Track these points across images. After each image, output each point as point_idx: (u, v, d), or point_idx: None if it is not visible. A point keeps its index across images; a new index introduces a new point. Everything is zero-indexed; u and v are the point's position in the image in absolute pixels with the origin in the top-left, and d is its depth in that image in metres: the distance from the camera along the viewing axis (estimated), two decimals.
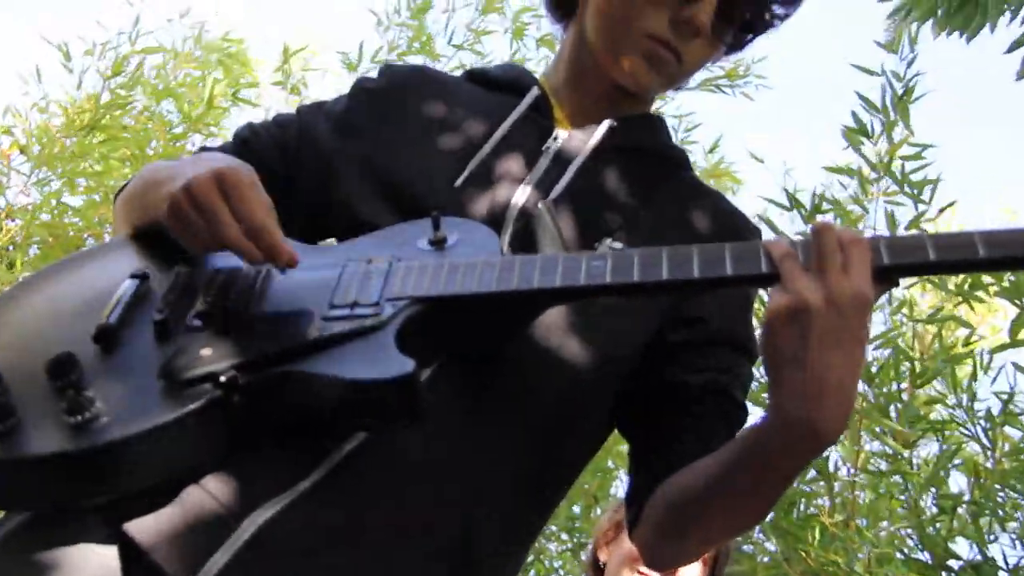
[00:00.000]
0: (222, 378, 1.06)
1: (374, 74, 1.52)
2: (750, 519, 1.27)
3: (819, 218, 4.30)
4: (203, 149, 1.47)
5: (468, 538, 1.20)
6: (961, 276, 4.25)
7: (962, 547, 4.37)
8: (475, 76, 1.54)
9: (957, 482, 5.46)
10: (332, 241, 1.35)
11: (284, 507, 1.10)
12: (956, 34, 4.03)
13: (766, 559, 4.71)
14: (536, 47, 6.55)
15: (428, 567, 1.17)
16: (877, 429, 4.51)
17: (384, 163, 1.38)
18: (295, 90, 6.82)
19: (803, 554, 4.31)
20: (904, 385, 4.62)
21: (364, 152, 1.40)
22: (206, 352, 1.09)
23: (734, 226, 1.44)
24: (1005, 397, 4.31)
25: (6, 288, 1.34)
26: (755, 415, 1.29)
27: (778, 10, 1.46)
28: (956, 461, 4.52)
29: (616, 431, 1.43)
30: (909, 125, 4.53)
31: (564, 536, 6.22)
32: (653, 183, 1.44)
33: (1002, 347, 4.14)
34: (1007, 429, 4.34)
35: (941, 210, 4.46)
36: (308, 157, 1.41)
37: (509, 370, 1.25)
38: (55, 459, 1.03)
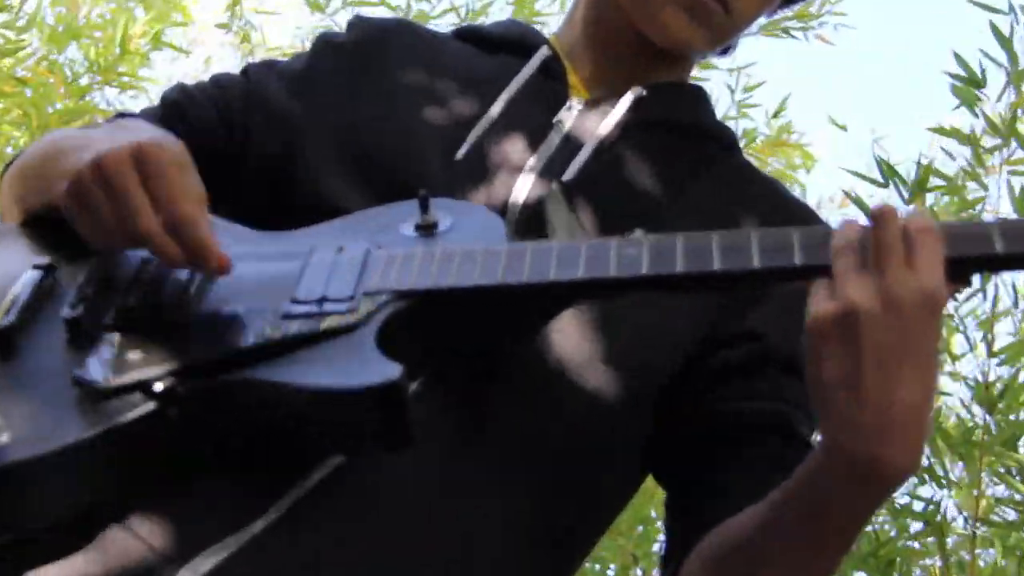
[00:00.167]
0: (156, 387, 0.97)
1: (343, 26, 1.37)
2: None
3: (926, 199, 3.67)
4: (120, 115, 1.33)
5: None
6: None
7: None
8: (467, 34, 1.38)
9: None
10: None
11: (231, 554, 1.01)
12: None
13: None
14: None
15: None
16: (1001, 469, 3.99)
17: (356, 135, 1.24)
18: (244, 36, 5.63)
19: None
20: None
21: (330, 121, 1.24)
22: (134, 356, 0.99)
23: (795, 223, 1.24)
24: None
25: None
26: None
27: None
28: None
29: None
30: None
31: None
32: (691, 168, 1.27)
33: None
34: None
35: None
36: (258, 126, 1.26)
37: (513, 389, 1.12)
38: None
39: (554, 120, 1.25)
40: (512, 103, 1.25)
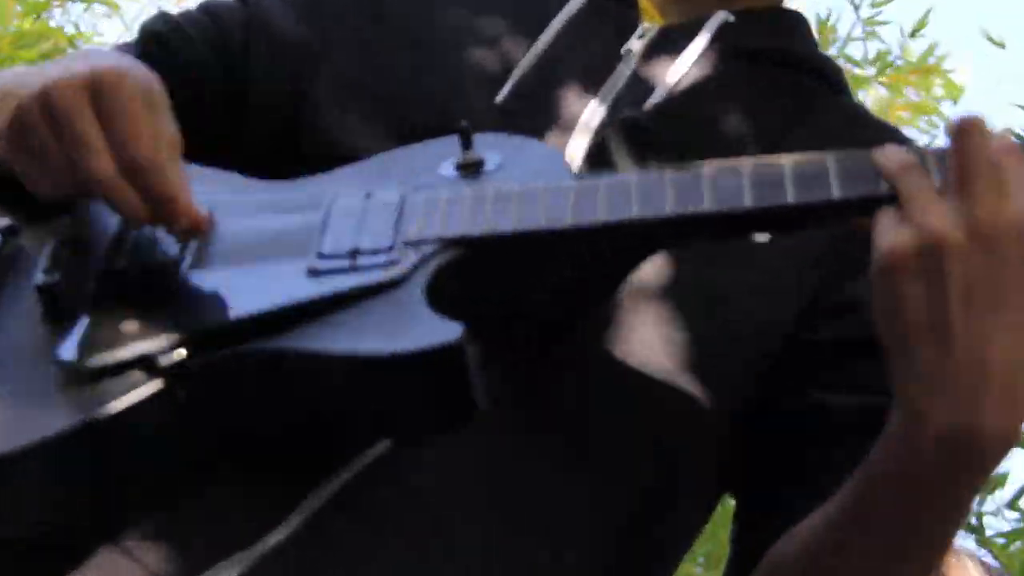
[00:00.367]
0: (161, 361, 0.88)
1: None
2: None
3: None
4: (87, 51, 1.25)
5: None
6: None
7: None
8: None
9: None
10: None
11: (243, 572, 0.94)
12: None
13: None
14: None
15: None
16: None
17: (380, 72, 1.14)
18: None
19: None
20: None
21: (348, 53, 1.15)
22: (130, 327, 0.91)
23: None
24: None
25: None
26: None
27: None
28: None
29: None
30: None
31: None
32: (788, 111, 1.15)
33: None
34: None
35: None
36: (261, 60, 1.15)
37: (577, 365, 1.03)
38: None
39: (622, 50, 1.14)
40: (569, 31, 1.14)
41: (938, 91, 4.70)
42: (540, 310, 1.02)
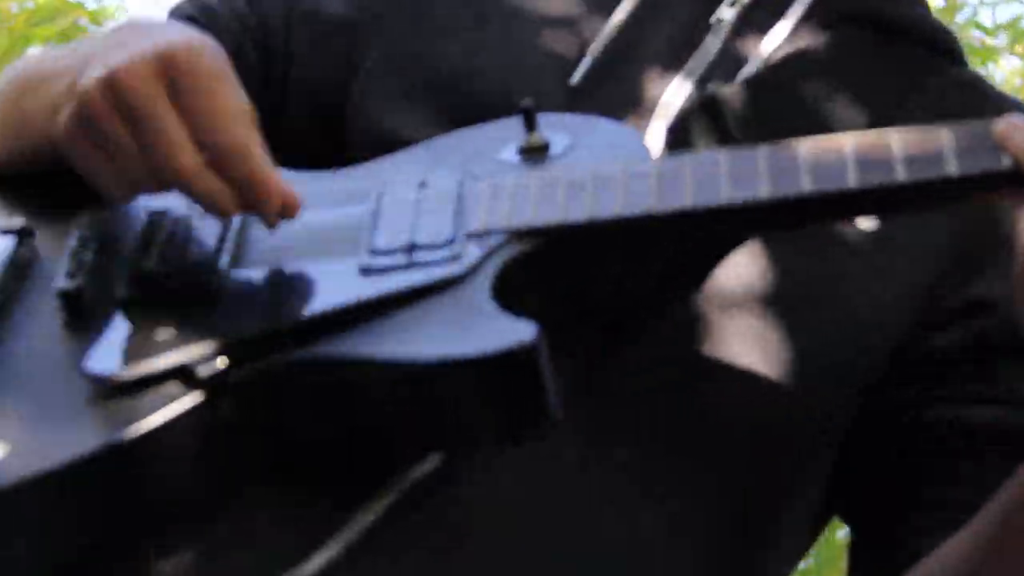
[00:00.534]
0: (200, 372, 0.84)
1: None
2: None
3: None
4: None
5: None
6: None
7: None
8: None
9: None
10: None
11: None
12: None
13: None
14: None
15: None
16: None
17: (436, 49, 1.08)
18: None
19: None
20: None
21: (403, 31, 1.10)
22: (164, 334, 0.86)
23: None
24: None
25: None
26: None
27: None
28: None
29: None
30: None
31: None
32: (901, 85, 1.09)
33: None
34: None
35: None
36: (304, 47, 1.10)
37: (655, 369, 0.97)
38: None
39: (711, 19, 1.07)
40: (648, 2, 1.08)
41: None
42: (612, 307, 0.96)
